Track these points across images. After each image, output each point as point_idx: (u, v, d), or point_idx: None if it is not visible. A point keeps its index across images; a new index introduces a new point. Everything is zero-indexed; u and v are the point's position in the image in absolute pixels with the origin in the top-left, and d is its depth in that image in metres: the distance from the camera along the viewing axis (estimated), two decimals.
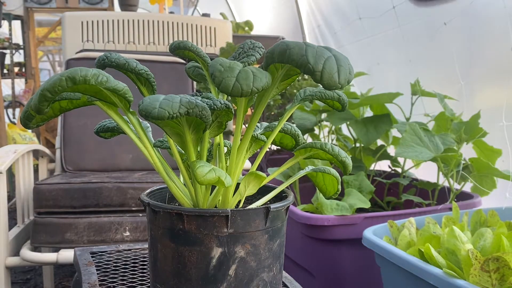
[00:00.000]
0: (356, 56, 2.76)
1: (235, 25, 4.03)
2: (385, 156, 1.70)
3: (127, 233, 1.48)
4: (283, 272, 0.78)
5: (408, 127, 1.41)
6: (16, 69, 4.65)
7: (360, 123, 1.65)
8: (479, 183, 1.45)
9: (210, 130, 0.60)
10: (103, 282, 0.81)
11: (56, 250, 1.46)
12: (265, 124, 0.70)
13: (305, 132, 1.88)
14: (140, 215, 1.52)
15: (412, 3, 1.99)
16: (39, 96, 0.49)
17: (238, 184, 0.62)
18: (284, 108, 2.41)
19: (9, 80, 4.55)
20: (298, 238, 1.42)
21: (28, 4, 4.11)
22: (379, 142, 1.84)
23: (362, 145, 1.72)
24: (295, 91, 2.32)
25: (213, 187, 0.62)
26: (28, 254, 1.46)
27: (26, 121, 0.53)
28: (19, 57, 4.90)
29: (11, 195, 3.21)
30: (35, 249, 1.52)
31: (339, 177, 0.68)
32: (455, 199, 1.44)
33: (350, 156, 1.31)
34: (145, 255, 0.96)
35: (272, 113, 2.43)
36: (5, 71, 4.53)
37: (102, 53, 0.62)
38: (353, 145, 1.80)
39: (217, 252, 0.56)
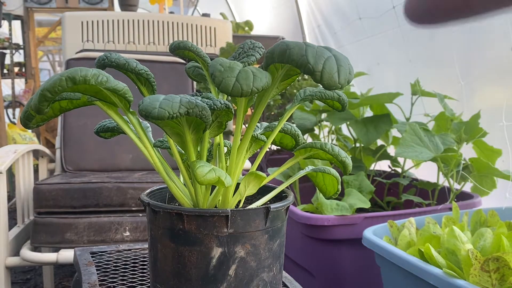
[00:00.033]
0: (356, 56, 2.76)
1: (235, 25, 4.03)
2: (385, 156, 1.70)
3: (127, 233, 1.48)
4: (283, 272, 0.78)
5: (408, 127, 1.41)
6: (16, 69, 4.65)
7: (360, 123, 1.65)
8: (479, 183, 1.45)
9: (210, 130, 0.60)
10: (103, 282, 0.81)
11: (56, 250, 1.46)
12: (265, 124, 0.70)
13: (305, 132, 1.88)
14: (140, 215, 1.52)
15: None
16: (39, 96, 0.49)
17: (238, 184, 0.62)
18: (284, 108, 2.41)
19: (9, 80, 4.55)
20: (298, 238, 1.42)
21: (28, 4, 4.11)
22: (379, 142, 1.84)
23: (362, 145, 1.72)
24: (295, 91, 2.32)
25: (213, 187, 0.62)
26: (28, 254, 1.46)
27: (26, 121, 0.53)
28: (19, 57, 4.90)
29: (11, 195, 3.21)
30: (35, 249, 1.52)
31: (339, 177, 0.68)
32: (455, 199, 1.44)
33: (350, 156, 1.31)
34: (145, 255, 0.96)
35: (272, 113, 2.43)
36: (5, 71, 4.53)
37: (102, 53, 0.62)
38: (353, 145, 1.80)
39: (217, 252, 0.56)
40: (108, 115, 0.58)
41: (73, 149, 1.91)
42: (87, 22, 2.36)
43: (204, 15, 3.79)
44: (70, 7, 4.00)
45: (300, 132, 0.70)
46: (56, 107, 0.58)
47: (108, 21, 2.39)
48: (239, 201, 0.63)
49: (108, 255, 0.96)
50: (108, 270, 0.88)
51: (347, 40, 2.88)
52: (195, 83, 2.17)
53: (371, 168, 1.81)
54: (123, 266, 0.90)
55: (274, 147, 2.40)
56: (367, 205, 1.38)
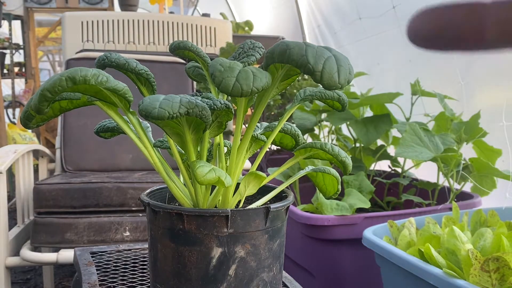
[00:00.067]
0: (356, 56, 2.76)
1: (235, 25, 4.03)
2: (385, 156, 1.70)
3: (127, 233, 1.48)
4: (283, 272, 0.78)
5: (408, 127, 1.41)
6: (16, 69, 4.65)
7: (360, 123, 1.65)
8: (479, 183, 1.45)
9: (210, 130, 0.60)
10: (103, 282, 0.81)
11: (56, 250, 1.46)
12: (265, 124, 0.70)
13: (305, 132, 1.88)
14: (140, 215, 1.52)
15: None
16: (39, 96, 0.49)
17: (238, 184, 0.62)
18: (284, 108, 2.41)
19: (9, 80, 4.55)
20: (298, 238, 1.42)
21: (28, 4, 4.11)
22: (379, 142, 1.84)
23: (362, 145, 1.72)
24: (295, 91, 2.32)
25: (213, 187, 0.62)
26: (28, 254, 1.46)
27: (26, 121, 0.53)
28: (19, 57, 4.90)
29: (11, 195, 3.21)
30: (35, 249, 1.52)
31: (339, 177, 0.68)
32: (455, 199, 1.44)
33: (350, 156, 1.31)
34: (145, 255, 0.96)
35: (272, 113, 2.43)
36: (5, 71, 4.53)
37: (102, 53, 0.62)
38: (353, 145, 1.80)
39: (217, 252, 0.56)
40: (108, 115, 0.58)
41: (73, 149, 1.91)
42: (87, 22, 2.36)
43: (204, 15, 3.79)
44: (70, 7, 4.00)
45: (300, 132, 0.70)
46: (56, 107, 0.58)
47: (108, 21, 2.40)
48: (239, 201, 0.63)
49: (108, 255, 0.96)
50: (108, 270, 0.88)
51: (347, 40, 2.88)
52: (195, 83, 2.17)
53: (371, 168, 1.81)
54: (123, 266, 0.91)
55: (274, 147, 2.40)
56: (367, 205, 1.38)
